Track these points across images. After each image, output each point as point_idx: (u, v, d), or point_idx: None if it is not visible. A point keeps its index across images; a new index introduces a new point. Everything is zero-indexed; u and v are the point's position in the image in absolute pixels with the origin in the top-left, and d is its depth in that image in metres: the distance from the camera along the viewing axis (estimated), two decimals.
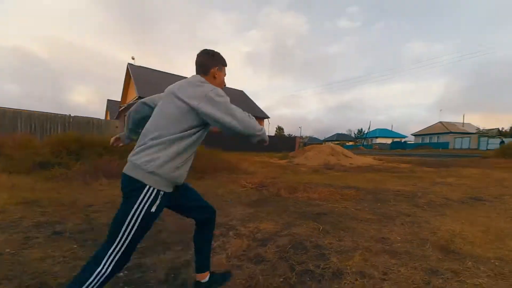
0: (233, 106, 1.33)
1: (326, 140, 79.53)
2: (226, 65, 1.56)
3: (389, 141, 55.43)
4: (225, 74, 1.57)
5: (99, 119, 13.98)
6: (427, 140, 47.19)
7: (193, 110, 1.27)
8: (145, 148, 1.26)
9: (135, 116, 1.62)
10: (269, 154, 19.47)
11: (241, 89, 28.57)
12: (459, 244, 2.57)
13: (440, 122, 47.71)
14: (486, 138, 32.90)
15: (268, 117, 25.01)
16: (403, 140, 55.47)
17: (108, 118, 27.87)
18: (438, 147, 37.48)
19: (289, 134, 77.19)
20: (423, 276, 1.95)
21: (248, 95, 28.02)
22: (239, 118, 1.30)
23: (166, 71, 24.50)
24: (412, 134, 53.19)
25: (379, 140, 58.09)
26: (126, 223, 1.18)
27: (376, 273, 2.01)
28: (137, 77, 20.68)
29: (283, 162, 14.64)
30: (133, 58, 23.32)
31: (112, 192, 4.90)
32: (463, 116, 51.53)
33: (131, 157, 1.28)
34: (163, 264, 2.14)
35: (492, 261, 2.20)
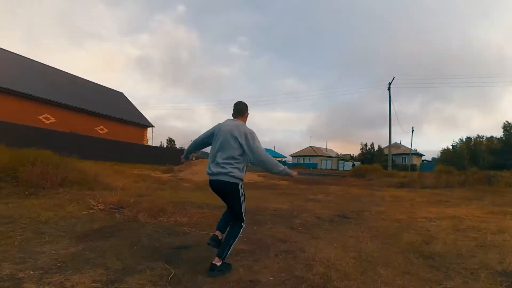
0: (260, 144, 2.31)
1: None
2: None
3: None
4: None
5: None
6: (301, 160, 55.02)
7: (241, 144, 2.23)
8: (224, 164, 2.21)
9: (197, 144, 2.69)
10: (153, 167, 17.19)
11: (121, 91, 24.97)
12: (336, 281, 2.13)
13: (310, 146, 56.81)
14: (343, 161, 41.30)
15: (152, 126, 22.51)
16: (283, 159, 62.66)
17: None
18: (309, 167, 44.04)
19: (180, 147, 73.83)
20: None
21: (135, 100, 24.71)
22: (263, 153, 2.26)
23: (29, 57, 18.90)
24: (290, 155, 60.87)
25: None
26: (241, 201, 2.30)
27: None
28: None
29: (166, 177, 12.99)
30: None
31: None
32: (326, 143, 64.20)
33: (216, 169, 2.25)
34: None
35: None
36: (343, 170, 38.19)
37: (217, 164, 2.23)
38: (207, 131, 2.49)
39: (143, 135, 22.03)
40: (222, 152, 2.23)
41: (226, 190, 2.28)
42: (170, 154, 21.77)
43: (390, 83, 22.65)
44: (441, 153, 51.70)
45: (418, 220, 4.84)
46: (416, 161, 40.20)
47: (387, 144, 45.36)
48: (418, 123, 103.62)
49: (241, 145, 2.21)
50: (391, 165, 21.48)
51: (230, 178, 2.21)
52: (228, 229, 2.38)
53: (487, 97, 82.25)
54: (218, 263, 2.20)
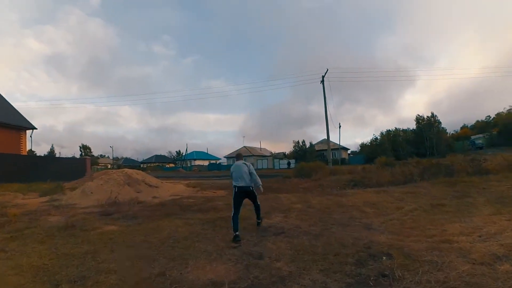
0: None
1: (145, 162, 71.65)
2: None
3: (206, 162, 57.29)
4: None
5: None
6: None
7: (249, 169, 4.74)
8: (246, 180, 4.63)
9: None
10: (28, 186, 11.65)
11: None
12: None
13: (244, 146, 55.04)
14: (278, 160, 40.53)
15: (33, 128, 16.06)
16: (218, 162, 59.25)
17: None
18: None
19: (83, 155, 62.34)
20: None
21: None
22: (255, 173, 4.81)
23: None
24: (224, 157, 57.90)
25: (197, 162, 58.79)
26: (256, 194, 4.88)
27: None
28: None
29: (36, 202, 8.27)
30: None
31: None
32: (260, 142, 63.72)
33: (244, 183, 4.62)
34: None
35: None
36: (279, 168, 37.28)
37: (244, 180, 4.58)
38: (232, 171, 4.84)
39: (19, 141, 15.53)
40: (244, 175, 4.61)
41: (250, 192, 4.72)
42: (67, 165, 15.98)
43: (323, 76, 21.97)
44: (360, 146, 57.16)
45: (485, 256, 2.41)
46: (344, 155, 42.42)
47: (317, 140, 47.40)
48: (335, 122, 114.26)
49: (249, 170, 4.69)
50: (331, 160, 20.77)
51: (251, 187, 4.72)
52: (255, 209, 5.01)
53: (386, 99, 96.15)
54: (260, 220, 5.04)
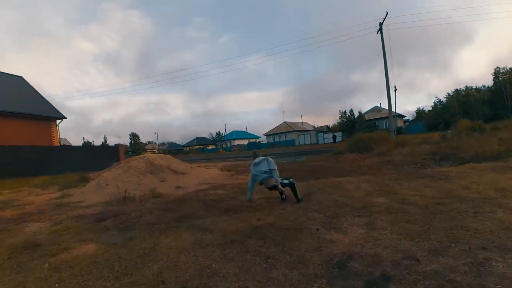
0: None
1: (187, 145, 73.34)
2: None
3: (245, 142, 56.05)
4: None
5: None
6: (277, 138, 50.26)
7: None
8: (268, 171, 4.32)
9: (253, 180, 4.54)
10: (59, 177, 10.91)
11: (20, 75, 17.52)
12: None
13: (285, 122, 52.09)
14: (322, 134, 37.08)
15: (63, 117, 15.54)
16: (257, 140, 57.63)
17: None
18: (287, 145, 39.49)
19: (133, 143, 65.47)
20: None
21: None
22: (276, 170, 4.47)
23: None
24: (264, 134, 55.87)
25: (236, 142, 57.89)
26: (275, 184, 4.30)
27: None
28: None
29: (45, 199, 7.04)
30: None
31: None
32: (301, 116, 59.73)
33: (266, 175, 4.30)
34: None
35: None
36: (324, 143, 34.03)
37: (265, 172, 4.27)
38: (251, 171, 4.54)
39: (49, 132, 15.16)
40: (264, 175, 4.30)
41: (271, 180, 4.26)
42: (96, 154, 15.33)
43: (381, 23, 17.70)
44: (416, 113, 50.05)
45: None
46: (400, 123, 37.14)
47: (366, 110, 42.25)
48: (381, 90, 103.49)
49: (269, 167, 4.33)
50: (394, 130, 17.16)
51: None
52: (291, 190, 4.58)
53: (440, 61, 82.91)
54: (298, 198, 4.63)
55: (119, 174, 8.30)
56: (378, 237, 2.90)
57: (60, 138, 16.31)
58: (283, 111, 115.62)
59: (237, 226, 3.59)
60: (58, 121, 15.58)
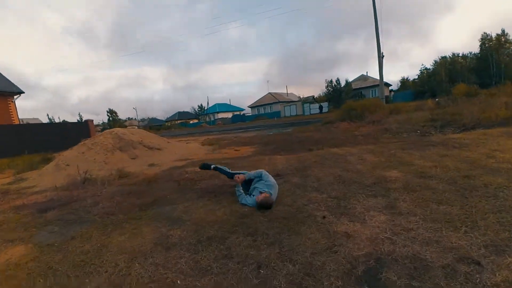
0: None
1: (168, 120, 70.58)
2: None
3: (229, 115, 54.48)
4: None
5: None
6: (262, 110, 49.00)
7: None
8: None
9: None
10: (18, 159, 9.61)
11: None
12: None
13: (269, 93, 50.55)
14: (308, 104, 36.21)
15: (20, 92, 13.53)
16: (241, 113, 56.18)
17: None
18: (272, 116, 38.55)
19: (111, 120, 62.02)
20: None
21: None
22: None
23: None
24: (248, 106, 54.36)
25: (220, 115, 56.14)
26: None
27: None
28: None
29: None
30: None
31: None
32: (286, 87, 58.09)
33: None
34: None
35: None
36: (310, 114, 33.34)
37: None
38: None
39: (6, 109, 13.30)
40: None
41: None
42: (66, 132, 13.79)
43: None
44: (401, 82, 49.82)
45: None
46: (386, 92, 36.73)
47: (352, 79, 41.32)
48: (365, 59, 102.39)
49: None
50: (384, 97, 16.51)
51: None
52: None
53: (421, 30, 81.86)
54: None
55: (83, 153, 7.15)
56: (408, 226, 2.13)
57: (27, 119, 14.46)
58: (268, 81, 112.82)
59: (217, 215, 2.73)
60: (15, 97, 13.64)
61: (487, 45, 27.03)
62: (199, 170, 4.48)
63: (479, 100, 9.58)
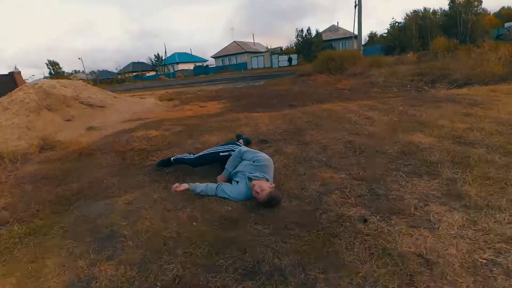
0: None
1: (120, 73, 62.35)
2: None
3: (191, 66, 50.02)
4: None
5: None
6: (226, 62, 45.54)
7: None
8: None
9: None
10: None
11: None
12: None
13: (235, 41, 46.69)
14: (276, 56, 34.10)
15: None
16: (204, 64, 52.01)
17: None
18: (239, 68, 35.97)
19: (52, 73, 52.98)
20: None
21: None
22: None
23: None
24: (212, 57, 50.12)
25: (181, 66, 51.23)
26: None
27: None
28: None
29: None
30: None
31: None
32: (253, 35, 53.65)
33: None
34: None
35: None
36: (279, 66, 31.64)
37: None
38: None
39: None
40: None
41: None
42: None
43: None
44: (369, 37, 49.12)
45: None
46: (356, 46, 35.86)
47: (323, 29, 39.21)
48: (333, 9, 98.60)
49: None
50: (362, 49, 15.49)
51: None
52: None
53: None
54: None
55: None
56: (503, 231, 1.26)
57: None
58: (232, 28, 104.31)
59: (180, 222, 1.63)
60: None
61: (456, 2, 26.61)
62: (152, 136, 3.21)
63: (469, 54, 8.95)
